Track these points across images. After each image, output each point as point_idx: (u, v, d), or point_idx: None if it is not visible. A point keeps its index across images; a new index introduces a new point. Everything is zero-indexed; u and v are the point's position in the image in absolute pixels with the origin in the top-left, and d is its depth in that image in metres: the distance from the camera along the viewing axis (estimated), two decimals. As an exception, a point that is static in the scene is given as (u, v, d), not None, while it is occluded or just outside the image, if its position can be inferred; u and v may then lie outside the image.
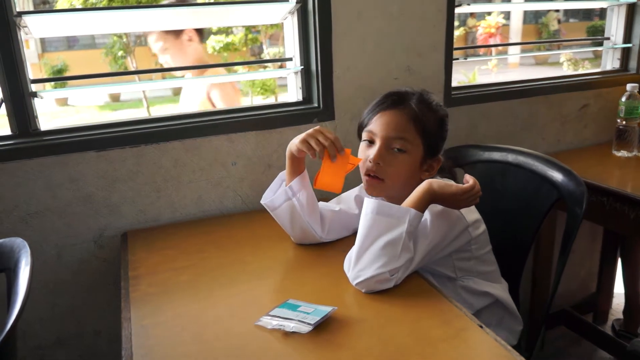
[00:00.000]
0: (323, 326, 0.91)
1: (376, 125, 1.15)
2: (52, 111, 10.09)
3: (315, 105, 1.55)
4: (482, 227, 1.18)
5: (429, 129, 1.15)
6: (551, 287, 1.26)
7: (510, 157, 1.41)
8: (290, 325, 0.90)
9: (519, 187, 1.38)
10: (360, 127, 1.21)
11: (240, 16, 1.58)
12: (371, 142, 1.16)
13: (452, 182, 1.13)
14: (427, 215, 1.08)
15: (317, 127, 1.11)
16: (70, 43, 14.79)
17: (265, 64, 6.80)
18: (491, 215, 1.23)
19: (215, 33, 10.62)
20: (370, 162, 1.13)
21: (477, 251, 1.17)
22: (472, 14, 16.01)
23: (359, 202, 1.27)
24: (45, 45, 14.11)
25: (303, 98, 1.57)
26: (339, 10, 1.47)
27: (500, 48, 12.72)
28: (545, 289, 1.88)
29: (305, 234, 1.23)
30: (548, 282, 1.87)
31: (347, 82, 1.54)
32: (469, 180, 1.08)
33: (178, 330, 0.94)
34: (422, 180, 1.10)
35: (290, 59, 1.58)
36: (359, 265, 1.01)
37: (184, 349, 0.88)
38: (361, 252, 1.02)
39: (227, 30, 10.47)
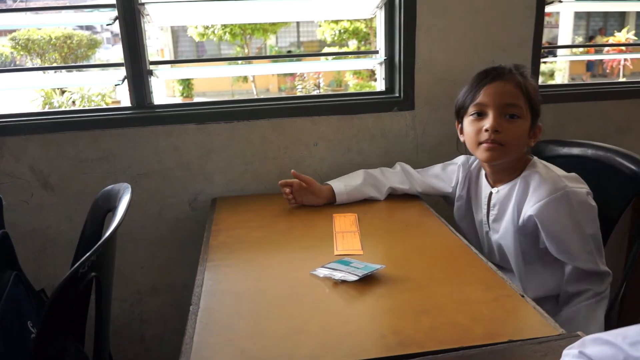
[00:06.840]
0: (370, 280, 0.98)
1: (485, 96, 1.19)
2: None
3: (397, 95, 1.63)
4: None
5: (533, 96, 1.20)
6: (623, 275, 1.23)
7: (590, 152, 1.38)
8: (339, 275, 0.99)
9: (598, 182, 1.34)
10: (462, 107, 1.25)
11: (332, 10, 1.71)
12: (480, 115, 1.21)
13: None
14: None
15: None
16: (199, 54, 16.17)
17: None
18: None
19: (330, 45, 11.04)
20: (486, 130, 1.18)
21: None
22: (600, 31, 14.98)
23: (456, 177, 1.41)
24: (178, 55, 15.54)
25: (386, 88, 1.66)
26: (423, 5, 1.54)
27: (632, 67, 11.70)
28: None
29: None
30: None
31: (428, 74, 1.60)
32: None
33: (244, 270, 1.07)
34: (529, 147, 1.21)
35: (377, 52, 1.68)
36: None
37: (245, 284, 1.01)
38: None
39: (340, 43, 10.85)
